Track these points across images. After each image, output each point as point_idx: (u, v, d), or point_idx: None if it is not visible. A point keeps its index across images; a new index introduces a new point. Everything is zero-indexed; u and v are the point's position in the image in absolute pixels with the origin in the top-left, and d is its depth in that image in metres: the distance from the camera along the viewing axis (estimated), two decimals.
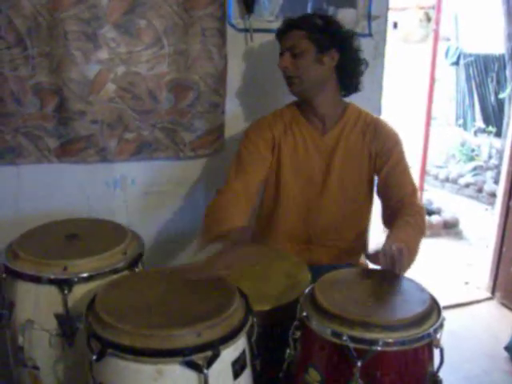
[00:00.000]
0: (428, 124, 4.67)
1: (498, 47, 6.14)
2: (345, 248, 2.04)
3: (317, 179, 1.98)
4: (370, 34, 2.39)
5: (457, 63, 7.37)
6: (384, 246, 1.59)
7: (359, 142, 1.95)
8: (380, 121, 1.99)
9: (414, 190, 1.91)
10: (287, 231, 2.04)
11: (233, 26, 2.18)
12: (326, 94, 1.91)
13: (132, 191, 2.24)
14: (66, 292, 1.55)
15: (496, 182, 5.58)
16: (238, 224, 1.74)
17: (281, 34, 1.90)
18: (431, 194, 5.57)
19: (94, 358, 1.28)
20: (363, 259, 2.10)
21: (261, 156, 1.94)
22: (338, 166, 1.96)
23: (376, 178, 2.00)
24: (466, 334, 2.92)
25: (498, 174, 5.29)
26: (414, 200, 1.89)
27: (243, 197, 1.87)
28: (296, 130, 1.98)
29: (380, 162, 1.94)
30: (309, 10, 2.25)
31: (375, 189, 2.02)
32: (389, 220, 1.90)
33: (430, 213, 4.89)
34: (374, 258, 1.63)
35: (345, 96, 2.00)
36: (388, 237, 1.71)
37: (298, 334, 1.44)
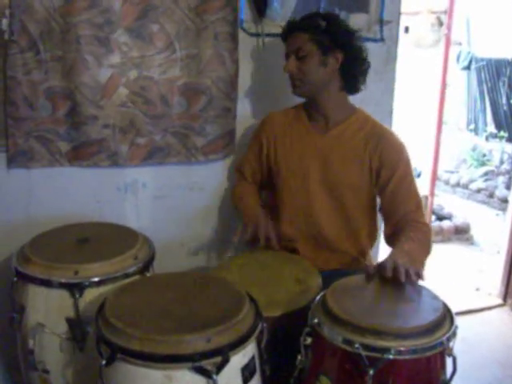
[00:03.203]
0: (439, 129, 4.65)
1: (510, 51, 6.12)
2: (351, 253, 2.03)
3: (313, 178, 1.97)
4: (381, 39, 2.38)
5: (468, 68, 7.34)
6: (385, 260, 1.58)
7: (360, 149, 1.93)
8: (387, 132, 1.97)
9: (418, 206, 1.90)
10: (293, 233, 2.03)
11: (245, 30, 2.18)
12: (329, 94, 1.93)
13: (143, 195, 2.24)
14: (76, 296, 1.56)
15: (507, 187, 5.55)
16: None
17: (285, 35, 1.92)
18: (442, 199, 5.54)
19: (104, 362, 1.29)
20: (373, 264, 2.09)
21: (255, 156, 2.11)
22: (336, 167, 1.95)
23: (379, 195, 1.98)
24: (477, 341, 2.89)
25: (510, 179, 5.29)
26: (418, 217, 1.88)
27: (252, 184, 2.17)
28: (296, 129, 2.02)
29: (384, 177, 1.91)
30: None
31: (378, 205, 2.01)
32: (391, 238, 1.90)
33: (441, 218, 4.87)
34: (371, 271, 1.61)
35: (351, 94, 1.98)
36: (391, 251, 1.71)
37: (309, 340, 1.43)
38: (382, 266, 1.56)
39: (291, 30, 1.89)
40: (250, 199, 2.10)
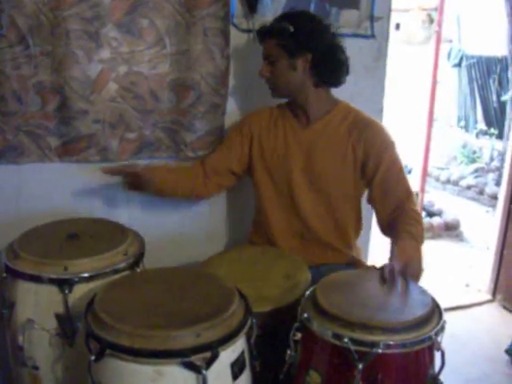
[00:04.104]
0: (430, 125, 4.67)
1: (500, 49, 6.15)
2: (337, 245, 2.03)
3: (297, 173, 1.98)
4: (372, 35, 2.38)
5: (459, 65, 7.37)
6: (386, 264, 1.61)
7: (344, 140, 1.94)
8: (370, 121, 1.96)
9: (408, 195, 1.90)
10: (280, 227, 2.04)
11: (235, 26, 2.17)
12: (306, 92, 1.93)
13: (133, 191, 2.23)
14: (66, 292, 1.55)
15: (497, 184, 5.58)
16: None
17: (259, 41, 1.95)
18: (432, 196, 5.57)
19: (93, 358, 1.28)
20: (362, 258, 2.10)
21: (232, 151, 2.08)
22: (319, 160, 1.96)
23: (367, 186, 1.98)
24: (466, 337, 2.91)
25: (500, 176, 5.30)
26: (411, 206, 1.88)
27: (200, 171, 2.09)
28: (280, 125, 2.03)
29: (372, 167, 1.91)
30: (312, 11, 2.23)
31: (367, 196, 2.01)
32: (387, 229, 1.91)
33: (431, 214, 4.90)
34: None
35: (333, 87, 1.98)
36: (394, 251, 1.72)
37: (299, 335, 1.43)
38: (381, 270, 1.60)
39: (261, 36, 1.92)
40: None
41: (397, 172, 1.92)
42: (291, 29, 1.83)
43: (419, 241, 1.78)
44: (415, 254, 1.70)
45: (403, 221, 1.82)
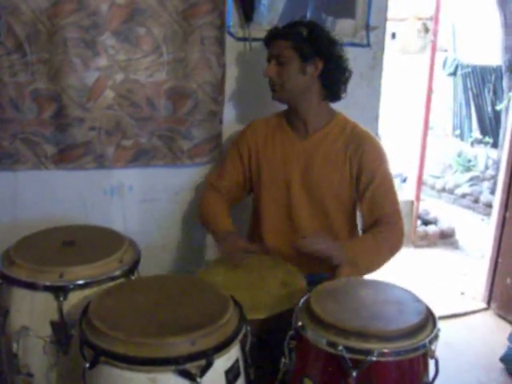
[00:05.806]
0: (425, 134, 4.68)
1: (495, 59, 6.19)
2: None
3: (295, 185, 1.99)
4: (368, 45, 2.40)
5: (454, 74, 7.41)
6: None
7: (341, 153, 1.95)
8: (367, 136, 1.97)
9: (395, 210, 1.92)
10: (275, 236, 2.04)
11: (232, 34, 2.19)
12: (308, 101, 1.94)
13: (129, 198, 2.24)
14: (61, 299, 1.55)
15: (492, 192, 5.59)
16: (223, 227, 1.96)
17: (268, 41, 1.94)
18: (427, 204, 5.58)
19: (87, 365, 1.28)
20: None
21: (236, 167, 2.08)
22: (316, 172, 1.97)
23: (357, 199, 2.00)
24: (461, 345, 2.92)
25: (495, 184, 5.32)
26: (393, 220, 1.90)
27: (225, 198, 2.08)
28: (278, 136, 2.04)
29: (364, 182, 1.93)
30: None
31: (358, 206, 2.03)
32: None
33: (427, 223, 4.91)
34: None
35: (332, 102, 2.00)
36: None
37: (294, 343, 1.43)
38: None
39: (273, 36, 1.92)
40: (217, 210, 2.05)
41: (387, 189, 1.94)
42: (306, 32, 1.86)
43: (382, 244, 1.83)
44: (361, 250, 1.82)
45: (379, 226, 1.88)
